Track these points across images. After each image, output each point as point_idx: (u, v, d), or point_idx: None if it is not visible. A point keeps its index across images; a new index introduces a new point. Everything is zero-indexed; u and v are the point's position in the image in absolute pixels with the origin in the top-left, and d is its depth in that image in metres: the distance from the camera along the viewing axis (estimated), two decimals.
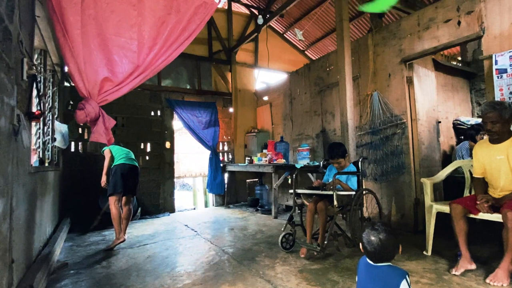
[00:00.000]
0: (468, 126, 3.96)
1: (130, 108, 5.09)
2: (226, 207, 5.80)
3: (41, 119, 2.95)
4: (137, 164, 3.62)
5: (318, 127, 4.93)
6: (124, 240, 3.36)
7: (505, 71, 2.64)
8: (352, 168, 2.93)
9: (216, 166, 5.85)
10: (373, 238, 1.24)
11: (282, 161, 5.02)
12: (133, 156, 3.66)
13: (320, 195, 2.83)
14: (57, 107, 3.81)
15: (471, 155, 3.62)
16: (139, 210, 4.85)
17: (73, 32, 2.12)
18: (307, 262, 2.60)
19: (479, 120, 3.73)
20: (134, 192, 3.59)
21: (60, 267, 2.66)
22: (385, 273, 1.24)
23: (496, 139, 2.30)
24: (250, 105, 6.68)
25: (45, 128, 3.30)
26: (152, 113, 5.35)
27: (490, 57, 2.76)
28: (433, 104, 3.81)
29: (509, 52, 2.63)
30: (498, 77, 2.68)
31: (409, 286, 1.18)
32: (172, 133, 5.57)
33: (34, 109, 2.30)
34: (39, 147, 3.12)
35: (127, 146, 4.25)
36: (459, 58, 5.18)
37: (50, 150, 3.42)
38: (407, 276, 1.20)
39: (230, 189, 6.09)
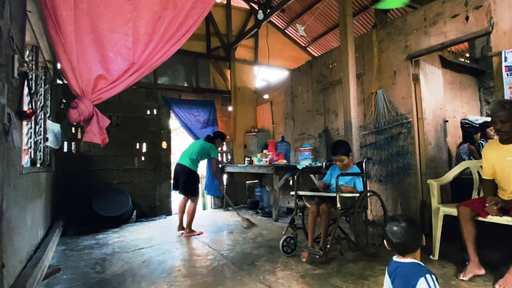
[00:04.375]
0: (477, 125, 3.87)
1: (125, 107, 4.98)
2: (225, 210, 5.71)
3: (33, 118, 2.88)
4: (183, 163, 3.82)
5: (320, 126, 4.84)
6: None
7: None
8: (356, 170, 2.86)
9: None
10: (395, 228, 1.27)
11: (283, 161, 4.94)
12: (187, 155, 3.89)
13: (322, 197, 2.76)
14: (49, 105, 3.73)
15: (470, 159, 3.56)
16: (134, 213, 4.74)
17: (66, 27, 2.05)
18: (309, 267, 2.55)
19: (488, 119, 3.65)
20: (183, 192, 3.82)
21: (52, 272, 2.58)
22: (407, 270, 1.22)
23: (506, 139, 2.24)
24: (250, 103, 6.57)
25: (37, 127, 3.22)
26: (148, 112, 5.26)
27: (499, 54, 2.69)
28: (440, 102, 3.74)
29: None
30: (507, 74, 2.62)
31: (429, 286, 1.12)
32: (169, 133, 5.47)
33: (25, 108, 2.24)
34: (30, 147, 3.05)
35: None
36: (467, 55, 5.06)
37: (42, 150, 3.34)
38: (428, 276, 1.14)
39: (229, 191, 5.96)
